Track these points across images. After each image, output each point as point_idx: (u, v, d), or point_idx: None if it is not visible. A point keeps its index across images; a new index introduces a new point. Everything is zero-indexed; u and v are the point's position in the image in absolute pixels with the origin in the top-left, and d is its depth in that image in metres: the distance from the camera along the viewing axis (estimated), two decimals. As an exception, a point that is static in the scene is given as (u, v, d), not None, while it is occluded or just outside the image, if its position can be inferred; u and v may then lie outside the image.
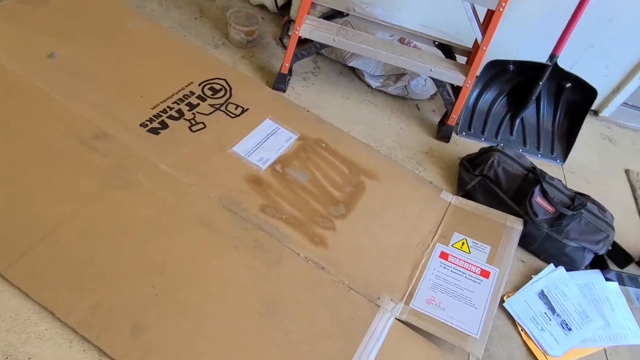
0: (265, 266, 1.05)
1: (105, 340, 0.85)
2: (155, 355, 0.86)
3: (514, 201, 1.30)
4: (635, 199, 1.58)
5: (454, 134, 1.59)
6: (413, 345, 1.03)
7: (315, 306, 1.02)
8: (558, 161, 1.61)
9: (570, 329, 1.18)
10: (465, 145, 1.56)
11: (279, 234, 1.11)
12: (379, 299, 1.07)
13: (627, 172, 1.67)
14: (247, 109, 1.36)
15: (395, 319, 1.04)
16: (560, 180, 1.37)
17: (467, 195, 1.38)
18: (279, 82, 1.49)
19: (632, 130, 1.85)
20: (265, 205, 1.16)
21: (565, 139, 1.63)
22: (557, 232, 1.26)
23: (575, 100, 1.58)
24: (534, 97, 1.55)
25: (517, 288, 1.23)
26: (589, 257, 1.29)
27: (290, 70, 1.51)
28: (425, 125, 1.60)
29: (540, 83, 1.52)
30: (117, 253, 0.97)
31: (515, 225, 1.28)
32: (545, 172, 1.32)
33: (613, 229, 1.28)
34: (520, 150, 1.61)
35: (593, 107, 1.85)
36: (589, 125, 1.82)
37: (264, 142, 1.30)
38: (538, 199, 1.28)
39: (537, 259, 1.31)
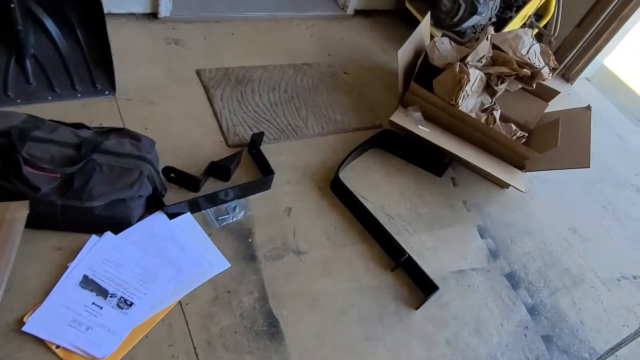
0: None
1: None
2: None
3: (9, 181, 0.95)
4: (210, 100, 1.41)
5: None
6: None
7: None
8: (107, 93, 1.30)
9: (131, 304, 0.95)
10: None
11: None
12: None
13: (198, 73, 1.47)
14: None
15: None
16: (77, 126, 1.05)
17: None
18: None
19: (200, 23, 1.64)
20: None
21: (103, 64, 1.31)
22: (76, 197, 0.96)
23: (84, 9, 1.24)
24: (19, 26, 1.15)
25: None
26: (139, 204, 1.05)
27: None
28: None
29: (13, 4, 1.12)
30: None
31: (18, 214, 0.93)
32: (34, 126, 0.97)
33: (147, 160, 1.04)
34: (50, 97, 1.23)
35: (149, 10, 1.56)
36: (150, 32, 1.53)
37: None
38: (30, 168, 0.95)
39: (79, 235, 1.02)
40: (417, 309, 1.13)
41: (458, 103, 1.36)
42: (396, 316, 1.10)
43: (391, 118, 1.35)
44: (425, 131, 1.38)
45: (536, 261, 1.35)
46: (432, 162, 1.44)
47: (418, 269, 1.15)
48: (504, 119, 1.55)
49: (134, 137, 1.08)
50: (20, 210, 0.93)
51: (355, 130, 1.50)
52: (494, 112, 1.45)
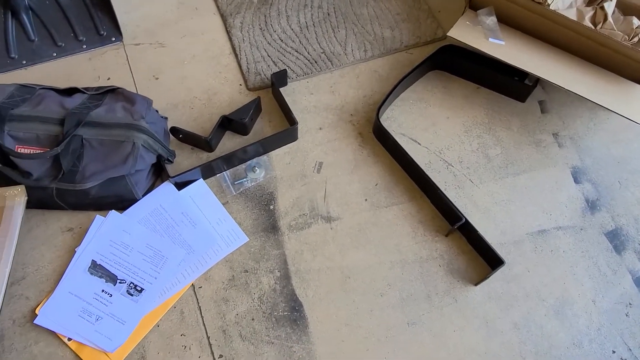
0: None
1: None
2: None
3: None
4: (228, 32, 1.18)
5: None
6: None
7: None
8: (113, 40, 1.14)
9: (142, 290, 0.88)
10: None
11: None
12: None
13: (215, -2, 1.24)
14: None
15: None
16: (69, 92, 0.93)
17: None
18: None
19: None
20: None
21: (103, 5, 1.14)
22: (67, 180, 0.87)
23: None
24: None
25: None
26: (142, 177, 0.93)
27: None
28: None
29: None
30: None
31: (17, 200, 0.88)
32: (20, 100, 0.88)
33: (140, 128, 0.89)
34: (55, 54, 1.11)
35: None
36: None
37: None
38: (20, 148, 0.87)
39: (88, 214, 0.95)
40: (477, 284, 0.92)
41: (547, 2, 0.97)
42: (448, 295, 0.90)
43: (449, 33, 1.02)
44: (497, 46, 1.02)
45: (655, 211, 1.02)
46: (512, 83, 1.10)
47: (478, 236, 0.91)
48: (621, 4, 1.10)
49: (128, 99, 0.94)
50: (17, 196, 0.88)
51: (408, 48, 1.18)
52: (605, 5, 1.02)
